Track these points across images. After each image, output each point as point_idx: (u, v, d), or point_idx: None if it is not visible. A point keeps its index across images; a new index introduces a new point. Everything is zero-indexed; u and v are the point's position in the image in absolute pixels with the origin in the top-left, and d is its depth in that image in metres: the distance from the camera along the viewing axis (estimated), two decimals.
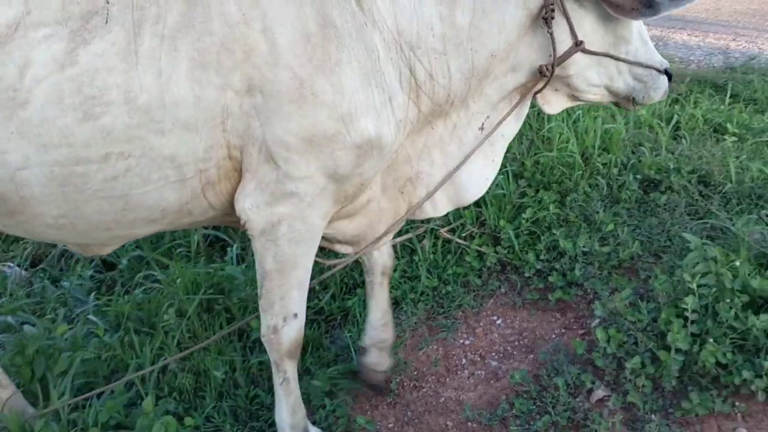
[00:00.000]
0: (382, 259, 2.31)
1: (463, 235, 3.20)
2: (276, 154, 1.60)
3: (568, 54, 1.85)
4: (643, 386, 2.29)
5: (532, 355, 2.58)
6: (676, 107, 4.77)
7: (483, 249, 3.14)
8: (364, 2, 1.66)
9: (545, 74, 1.86)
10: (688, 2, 1.74)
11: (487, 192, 3.32)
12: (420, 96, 1.80)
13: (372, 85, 1.65)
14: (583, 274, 2.92)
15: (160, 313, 2.63)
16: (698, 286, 2.41)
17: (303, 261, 1.81)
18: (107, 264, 3.24)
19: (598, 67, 1.95)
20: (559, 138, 3.70)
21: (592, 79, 1.97)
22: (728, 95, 5.16)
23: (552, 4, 1.77)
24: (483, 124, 1.98)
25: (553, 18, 1.77)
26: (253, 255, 3.00)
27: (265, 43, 1.54)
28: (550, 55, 1.83)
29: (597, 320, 2.67)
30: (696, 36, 9.28)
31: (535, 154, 3.64)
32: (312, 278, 1.93)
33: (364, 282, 2.93)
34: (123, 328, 2.61)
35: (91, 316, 2.69)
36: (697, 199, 3.49)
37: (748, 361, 2.28)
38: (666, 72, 2.07)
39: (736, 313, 2.38)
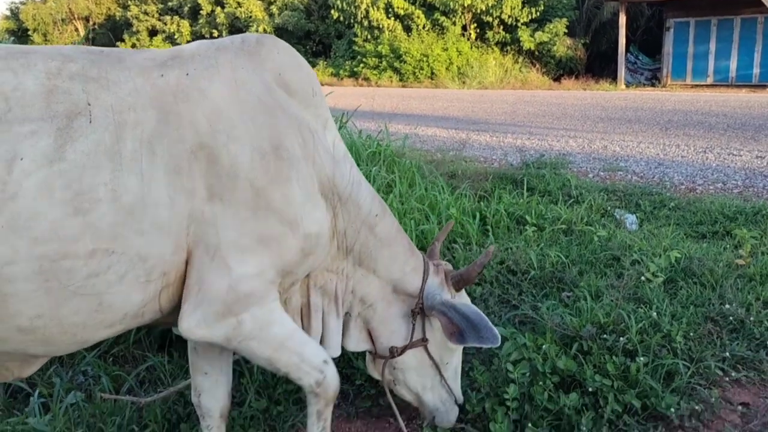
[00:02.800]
0: (221, 400, 2.25)
1: None
2: (231, 256, 1.69)
3: (413, 345, 2.28)
4: None
5: None
6: (482, 204, 5.19)
7: None
8: (308, 146, 1.88)
9: (394, 354, 2.27)
10: (490, 344, 2.15)
11: None
12: (331, 241, 2.06)
13: (313, 203, 1.89)
14: None
15: None
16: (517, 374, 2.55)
17: (286, 330, 1.89)
18: None
19: (420, 371, 2.36)
20: None
21: (411, 378, 2.37)
22: (525, 189, 5.72)
23: (420, 307, 2.26)
24: (350, 314, 2.30)
25: (418, 313, 2.26)
26: (59, 403, 2.76)
27: (228, 155, 1.68)
28: (405, 340, 2.29)
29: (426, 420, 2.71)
30: (496, 137, 10.29)
31: None
32: None
33: (188, 416, 2.79)
34: None
35: None
36: (507, 288, 3.76)
37: None
38: (459, 406, 2.50)
39: (549, 394, 2.54)
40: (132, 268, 1.58)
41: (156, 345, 3.22)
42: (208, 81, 1.73)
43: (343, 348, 2.30)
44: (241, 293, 1.73)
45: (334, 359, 2.09)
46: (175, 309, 1.77)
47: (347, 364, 3.07)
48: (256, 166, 1.72)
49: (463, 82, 24.09)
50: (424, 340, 2.31)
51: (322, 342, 2.24)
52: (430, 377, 2.39)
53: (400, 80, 25.74)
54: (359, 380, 3.03)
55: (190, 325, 1.71)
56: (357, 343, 2.34)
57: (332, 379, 2.02)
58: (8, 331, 1.52)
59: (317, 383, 1.98)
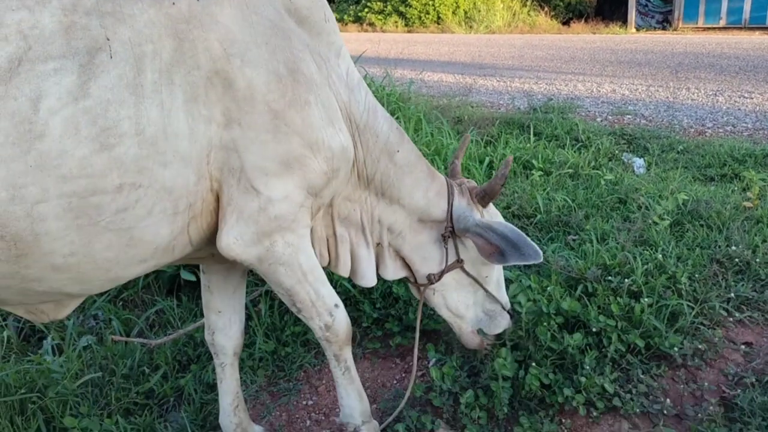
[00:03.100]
0: (234, 338, 2.28)
1: None
2: (256, 179, 1.72)
3: (450, 268, 2.33)
4: (478, 418, 2.37)
5: (374, 405, 2.59)
6: (489, 148, 5.15)
7: None
8: (322, 69, 1.90)
9: (432, 281, 2.33)
10: (533, 260, 2.14)
11: None
12: (352, 170, 2.08)
13: (335, 126, 1.89)
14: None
15: None
16: (524, 313, 2.57)
17: (311, 263, 1.95)
18: None
19: (461, 291, 2.42)
20: None
21: (452, 299, 2.43)
22: (532, 134, 5.66)
23: (451, 231, 2.28)
24: (381, 245, 2.32)
25: (449, 237, 2.29)
26: (72, 346, 2.82)
27: (243, 79, 1.68)
28: (440, 265, 2.34)
29: (433, 360, 2.75)
30: (503, 82, 10.13)
31: None
32: None
33: (198, 358, 2.84)
34: None
35: None
36: None
37: (567, 379, 2.45)
38: (509, 312, 2.55)
39: (552, 334, 2.56)
40: (159, 201, 1.60)
41: (165, 289, 3.26)
42: (218, 5, 1.70)
43: (380, 278, 2.34)
44: (271, 215, 1.77)
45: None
46: (205, 242, 1.81)
47: (354, 307, 3.11)
48: (273, 88, 1.72)
49: (470, 27, 23.58)
50: (459, 261, 2.35)
51: (354, 273, 2.28)
52: (471, 294, 2.45)
53: (406, 25, 25.22)
54: (366, 323, 3.06)
55: (229, 243, 1.75)
56: (394, 271, 2.37)
57: (341, 323, 2.04)
58: (43, 270, 1.55)
59: (326, 326, 2.01)
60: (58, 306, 1.84)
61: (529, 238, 2.17)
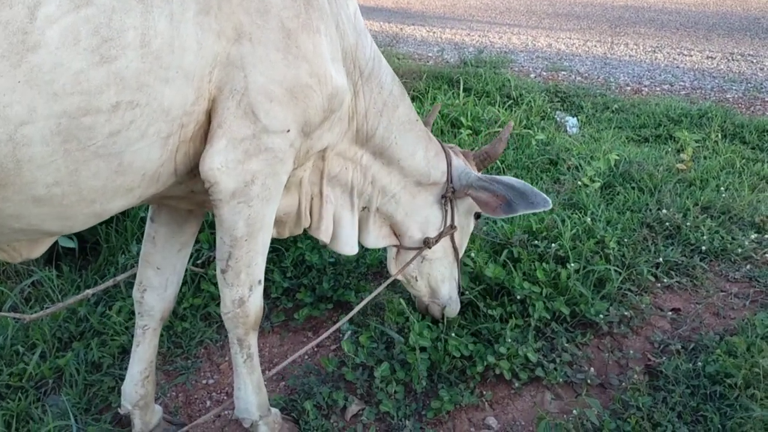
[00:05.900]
0: (167, 300, 2.24)
1: (199, 261, 3.13)
2: (258, 105, 1.72)
3: (446, 232, 2.40)
4: (395, 392, 2.42)
5: (283, 382, 2.59)
6: (415, 104, 5.16)
7: None
8: (333, 5, 1.92)
9: (428, 245, 2.39)
10: (542, 207, 2.20)
11: None
12: (350, 123, 2.09)
13: (337, 67, 1.91)
14: (332, 287, 3.02)
15: None
16: None
17: (269, 222, 1.94)
18: None
19: (445, 261, 2.48)
20: None
21: (437, 269, 2.49)
22: (462, 89, 5.71)
23: (452, 191, 2.35)
24: (368, 209, 2.36)
25: (450, 198, 2.36)
26: None
27: None
28: (438, 229, 2.41)
29: (348, 333, 2.77)
30: (432, 32, 10.15)
31: None
32: None
33: (81, 335, 2.76)
34: None
35: None
36: None
37: (489, 348, 2.53)
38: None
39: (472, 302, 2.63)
40: (154, 122, 1.58)
41: (42, 259, 3.13)
42: None
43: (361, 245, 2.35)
44: (262, 146, 1.77)
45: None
46: (188, 173, 1.79)
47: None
48: (288, 5, 1.75)
49: None
50: (453, 227, 2.42)
51: (335, 238, 2.28)
52: (450, 266, 2.53)
53: None
54: (275, 293, 3.05)
55: (212, 166, 1.73)
56: (376, 239, 2.41)
57: (255, 302, 2.00)
58: (23, 204, 1.50)
59: (240, 300, 1.96)
60: (32, 244, 1.82)
61: (535, 188, 2.25)
